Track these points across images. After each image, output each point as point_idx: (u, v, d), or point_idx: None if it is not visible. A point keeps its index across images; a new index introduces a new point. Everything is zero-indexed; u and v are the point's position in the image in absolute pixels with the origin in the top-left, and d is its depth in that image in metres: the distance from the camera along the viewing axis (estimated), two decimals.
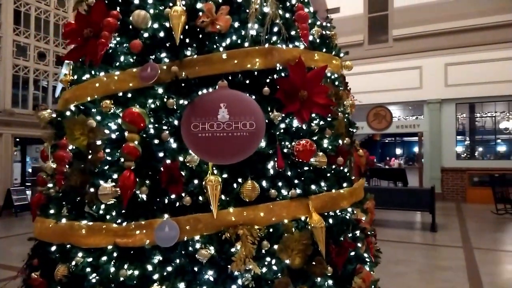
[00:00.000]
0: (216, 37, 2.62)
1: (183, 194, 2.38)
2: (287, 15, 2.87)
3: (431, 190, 10.69)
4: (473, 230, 10.56)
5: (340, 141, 2.94)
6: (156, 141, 2.47)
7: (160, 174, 2.37)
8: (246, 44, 2.67)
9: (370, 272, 2.91)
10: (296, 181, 2.59)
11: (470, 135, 18.82)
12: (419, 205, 10.88)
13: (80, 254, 2.45)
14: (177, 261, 2.30)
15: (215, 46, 2.62)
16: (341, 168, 2.92)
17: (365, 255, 2.96)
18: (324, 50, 3.13)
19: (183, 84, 2.52)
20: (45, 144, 3.23)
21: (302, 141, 2.58)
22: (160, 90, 2.53)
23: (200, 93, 2.54)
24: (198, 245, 2.31)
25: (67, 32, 2.70)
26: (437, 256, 8.19)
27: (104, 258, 2.39)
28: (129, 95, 2.62)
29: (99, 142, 2.56)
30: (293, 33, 2.85)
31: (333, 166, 2.86)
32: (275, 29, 2.79)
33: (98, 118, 2.64)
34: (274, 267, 2.37)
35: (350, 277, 2.67)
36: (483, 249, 8.38)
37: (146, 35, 2.60)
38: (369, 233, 3.12)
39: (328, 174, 2.79)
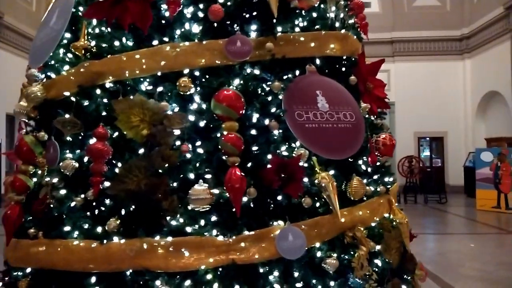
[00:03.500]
0: (300, 15, 2.29)
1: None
2: (342, 2, 2.71)
3: None
4: None
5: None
6: (253, 131, 2.01)
7: (266, 171, 1.93)
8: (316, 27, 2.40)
9: None
10: (375, 177, 2.46)
11: None
12: None
13: (158, 283, 1.80)
14: (296, 274, 1.92)
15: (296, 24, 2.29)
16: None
17: None
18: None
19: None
20: (24, 133, 2.30)
21: (382, 135, 2.47)
22: (249, 69, 2.08)
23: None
24: (320, 253, 1.97)
25: None
26: None
27: (188, 282, 1.82)
28: (197, 73, 2.07)
29: (177, 132, 1.94)
30: (350, 21, 2.71)
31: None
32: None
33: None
34: (380, 268, 2.20)
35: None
36: None
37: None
38: None
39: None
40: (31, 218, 2.20)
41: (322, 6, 2.41)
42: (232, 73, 2.04)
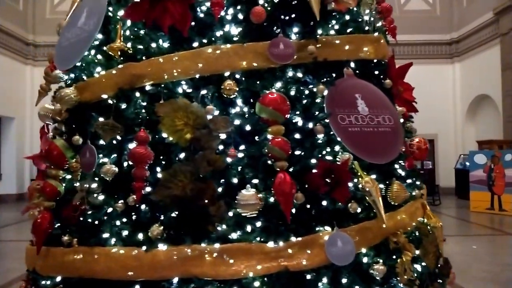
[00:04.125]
0: (334, 18, 2.27)
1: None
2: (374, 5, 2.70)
3: None
4: None
5: None
6: (297, 135, 1.98)
7: (312, 176, 1.90)
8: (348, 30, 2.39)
9: None
10: (409, 181, 2.45)
11: None
12: None
13: None
14: (344, 280, 1.89)
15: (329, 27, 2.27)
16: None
17: None
18: None
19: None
20: (51, 137, 2.23)
21: (416, 139, 2.47)
22: (290, 73, 2.05)
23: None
24: (366, 259, 1.94)
25: None
26: None
27: None
28: (237, 75, 2.02)
29: (223, 136, 1.89)
30: (378, 24, 2.70)
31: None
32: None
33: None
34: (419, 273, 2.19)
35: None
36: None
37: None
38: None
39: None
40: (59, 225, 2.13)
41: (355, 8, 2.39)
42: (274, 76, 2.01)
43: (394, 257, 2.03)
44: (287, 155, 1.85)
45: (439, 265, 2.35)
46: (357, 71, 2.32)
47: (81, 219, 2.02)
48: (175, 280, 1.80)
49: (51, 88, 2.87)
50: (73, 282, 2.00)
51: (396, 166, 2.30)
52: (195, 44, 2.05)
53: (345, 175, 1.90)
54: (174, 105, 1.88)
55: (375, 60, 2.47)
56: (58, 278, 2.06)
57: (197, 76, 2.01)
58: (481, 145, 12.13)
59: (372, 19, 2.48)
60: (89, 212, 2.00)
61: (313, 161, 1.96)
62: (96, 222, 1.98)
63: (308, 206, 1.92)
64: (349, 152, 2.01)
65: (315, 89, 2.03)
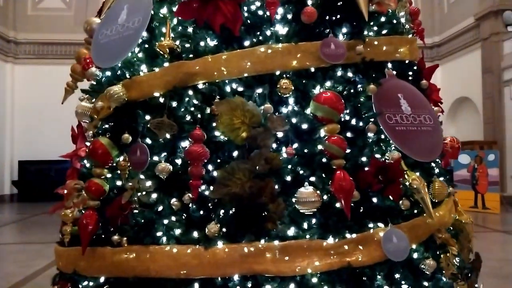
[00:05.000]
0: (374, 19, 2.32)
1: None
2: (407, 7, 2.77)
3: None
4: None
5: None
6: (348, 134, 2.02)
7: (365, 174, 1.95)
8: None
9: None
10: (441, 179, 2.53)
11: None
12: None
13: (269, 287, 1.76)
14: (397, 276, 1.94)
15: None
16: None
17: None
18: None
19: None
20: (90, 135, 2.20)
21: (448, 138, 2.55)
22: (339, 72, 2.08)
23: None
24: (416, 254, 2.00)
25: None
26: None
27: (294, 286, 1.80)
28: (286, 75, 2.04)
29: (280, 134, 1.91)
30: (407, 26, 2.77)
31: None
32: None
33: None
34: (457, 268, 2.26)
35: None
36: None
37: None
38: None
39: None
40: (102, 225, 2.09)
41: (390, 10, 2.45)
42: (324, 76, 2.04)
43: (438, 252, 2.09)
44: (344, 153, 1.88)
45: (471, 260, 2.43)
46: (394, 72, 2.38)
47: (131, 218, 2.00)
48: (235, 277, 1.81)
49: (77, 86, 2.82)
50: (119, 282, 1.98)
51: (433, 164, 2.37)
52: (246, 43, 2.06)
53: (397, 173, 1.95)
54: (231, 103, 1.89)
55: (406, 61, 2.54)
56: (102, 279, 2.03)
57: (246, 75, 2.01)
58: (462, 145, 12.49)
59: (406, 21, 2.55)
60: (141, 211, 1.98)
61: (364, 159, 2.00)
62: (149, 221, 1.96)
63: (360, 203, 1.96)
64: (397, 150, 2.06)
65: (364, 89, 2.07)
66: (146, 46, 2.22)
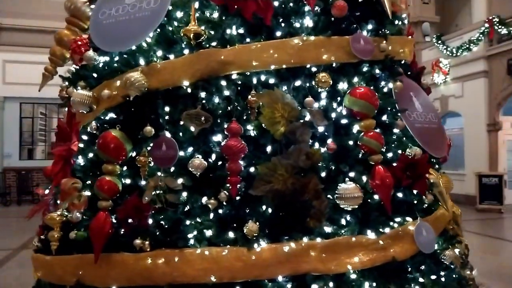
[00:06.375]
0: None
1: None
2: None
3: None
4: None
5: None
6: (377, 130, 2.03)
7: (394, 169, 1.98)
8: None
9: None
10: None
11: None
12: None
13: (316, 286, 1.71)
14: (423, 267, 2.00)
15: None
16: None
17: None
18: None
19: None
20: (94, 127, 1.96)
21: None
22: (365, 68, 2.09)
23: None
24: (436, 246, 2.08)
25: None
26: None
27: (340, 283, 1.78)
28: (314, 69, 2.01)
29: (321, 129, 1.86)
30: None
31: None
32: None
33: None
34: None
35: None
36: None
37: None
38: None
39: None
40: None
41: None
42: (356, 71, 2.03)
43: (451, 243, 2.21)
44: (381, 148, 1.90)
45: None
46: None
47: (152, 219, 1.80)
48: (280, 278, 1.72)
49: (57, 71, 2.50)
50: None
51: (434, 160, 2.50)
52: (274, 34, 1.97)
53: (425, 168, 2.01)
54: (272, 95, 1.80)
55: (403, 61, 2.64)
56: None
57: (280, 66, 1.93)
58: None
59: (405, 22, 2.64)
60: (165, 211, 1.79)
61: (390, 155, 2.03)
62: (176, 222, 1.79)
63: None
64: (418, 146, 2.12)
65: (389, 85, 2.11)
66: (158, 30, 2.02)
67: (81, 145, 2.12)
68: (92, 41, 2.22)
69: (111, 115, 2.00)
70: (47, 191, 2.38)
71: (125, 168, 1.97)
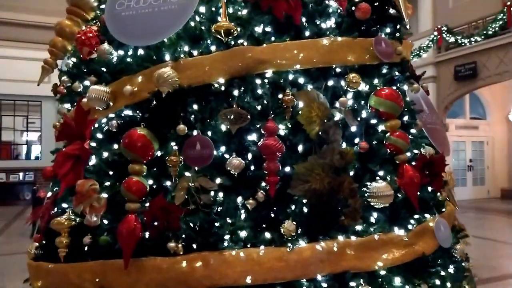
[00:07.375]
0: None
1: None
2: None
3: None
4: None
5: None
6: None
7: (415, 168, 2.06)
8: None
9: None
10: None
11: None
12: None
13: (353, 284, 1.73)
14: (439, 261, 2.09)
15: None
16: None
17: None
18: None
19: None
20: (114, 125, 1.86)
21: None
22: (384, 70, 2.16)
23: None
24: None
25: None
26: None
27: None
28: (338, 69, 2.04)
29: (352, 129, 1.88)
30: None
31: None
32: None
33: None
34: None
35: None
36: None
37: None
38: None
39: None
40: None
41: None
42: (378, 72, 2.08)
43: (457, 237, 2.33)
44: (408, 147, 1.96)
45: None
46: None
47: (183, 221, 1.73)
48: (319, 277, 1.72)
49: (57, 64, 2.34)
50: None
51: None
52: (302, 34, 1.98)
53: (442, 167, 2.11)
54: (309, 95, 1.80)
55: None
56: None
57: (309, 66, 1.94)
58: None
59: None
60: (198, 213, 1.73)
61: (408, 154, 2.11)
62: (210, 223, 1.73)
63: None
64: (431, 146, 2.22)
65: (405, 87, 2.18)
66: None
67: (93, 144, 1.99)
68: (102, 33, 2.10)
69: (128, 112, 1.90)
70: (49, 194, 2.21)
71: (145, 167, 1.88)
